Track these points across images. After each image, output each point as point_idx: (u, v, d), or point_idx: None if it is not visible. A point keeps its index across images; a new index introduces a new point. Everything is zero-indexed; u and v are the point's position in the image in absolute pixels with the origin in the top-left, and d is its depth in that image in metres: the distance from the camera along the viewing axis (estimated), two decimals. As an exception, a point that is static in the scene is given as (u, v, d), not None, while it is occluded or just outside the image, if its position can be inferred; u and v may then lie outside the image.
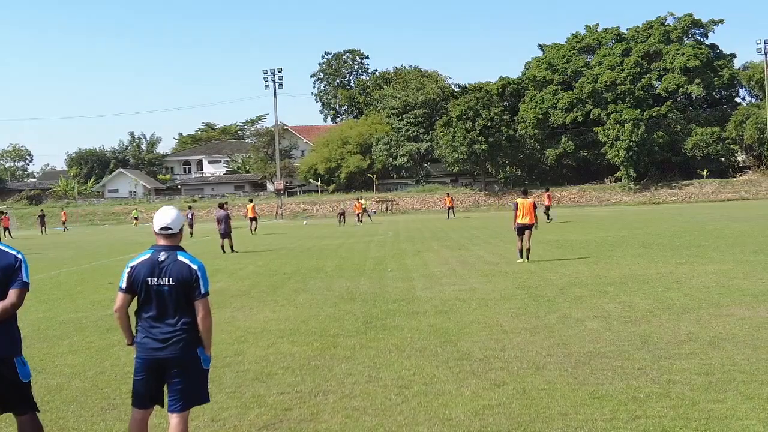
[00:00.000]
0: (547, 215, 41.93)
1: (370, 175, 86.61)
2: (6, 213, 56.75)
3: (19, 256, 5.29)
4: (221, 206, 29.22)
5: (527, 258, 19.42)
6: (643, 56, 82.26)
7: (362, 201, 56.95)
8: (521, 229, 19.61)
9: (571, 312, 11.55)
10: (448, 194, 62.83)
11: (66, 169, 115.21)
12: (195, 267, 5.35)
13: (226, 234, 27.74)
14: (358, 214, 53.44)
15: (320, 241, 33.73)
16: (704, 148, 77.04)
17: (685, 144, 77.98)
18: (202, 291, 5.33)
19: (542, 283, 15.22)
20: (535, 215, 19.69)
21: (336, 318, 12.04)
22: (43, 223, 60.42)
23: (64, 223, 64.48)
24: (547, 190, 50.35)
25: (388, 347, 9.54)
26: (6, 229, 50.87)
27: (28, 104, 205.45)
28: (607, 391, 7.12)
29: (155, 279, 5.31)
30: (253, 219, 42.72)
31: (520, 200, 19.97)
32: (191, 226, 46.12)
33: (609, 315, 11.14)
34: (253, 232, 41.87)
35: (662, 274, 15.76)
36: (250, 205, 44.56)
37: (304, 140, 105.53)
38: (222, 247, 27.68)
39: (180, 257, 5.38)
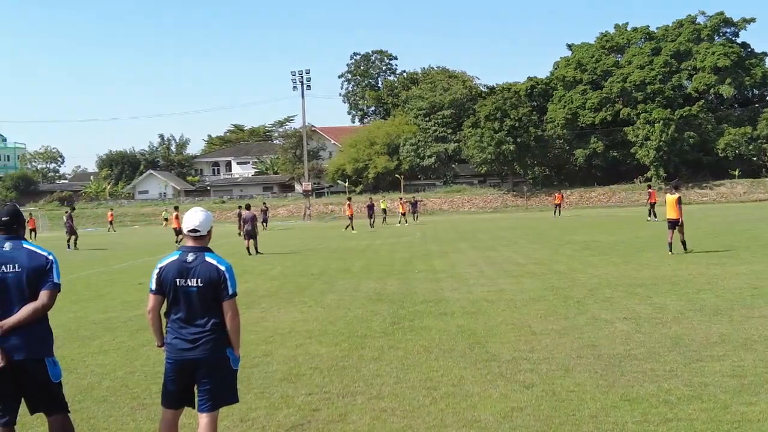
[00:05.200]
0: (650, 213, 40.41)
1: (398, 176, 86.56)
2: (32, 215, 57.60)
3: (50, 257, 5.33)
4: (248, 207, 29.60)
5: (684, 249, 20.19)
6: (672, 55, 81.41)
7: (403, 200, 56.85)
8: (670, 224, 20.43)
9: (601, 313, 11.45)
10: (559, 192, 61.94)
11: (97, 170, 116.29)
12: (223, 268, 5.36)
13: (251, 235, 27.86)
14: (402, 214, 52.64)
15: (347, 242, 33.76)
16: (736, 149, 76.09)
17: (716, 144, 77.04)
18: (230, 292, 5.34)
19: (571, 284, 15.11)
20: (680, 210, 20.31)
21: (364, 319, 12.04)
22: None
23: (111, 223, 65.27)
24: (650, 187, 47.47)
25: (416, 348, 9.52)
26: (33, 230, 51.52)
27: (60, 107, 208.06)
28: (637, 394, 7.05)
29: (183, 280, 5.34)
30: (350, 217, 44.87)
31: (667, 196, 21.01)
32: (266, 222, 47.80)
33: (639, 317, 11.04)
34: (348, 228, 43.40)
35: (693, 275, 15.58)
36: (347, 203, 47.12)
37: (332, 141, 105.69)
38: (248, 248, 27.72)
39: (208, 258, 5.40)
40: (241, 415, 6.92)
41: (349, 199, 50.95)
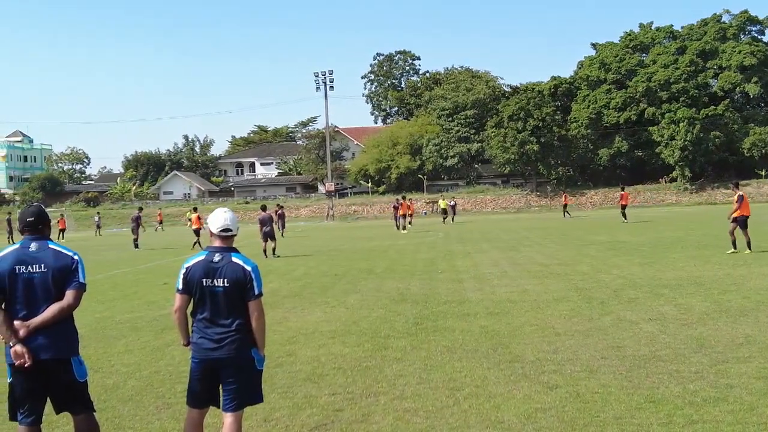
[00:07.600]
0: (623, 215, 41.05)
1: (421, 176, 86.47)
2: (62, 215, 58.24)
3: (76, 257, 5.38)
4: (263, 208, 29.03)
5: (749, 248, 19.84)
6: (698, 54, 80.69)
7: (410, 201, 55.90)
8: (745, 220, 20.20)
9: (626, 314, 11.38)
10: (563, 192, 61.44)
11: (122, 171, 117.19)
12: (249, 268, 5.40)
13: (270, 236, 27.37)
14: (404, 215, 47.12)
15: (370, 242, 33.78)
16: (762, 148, 75.24)
17: (742, 144, 76.22)
18: (256, 292, 5.38)
19: (595, 284, 15.02)
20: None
21: (387, 319, 12.04)
22: (99, 226, 61.78)
23: (160, 223, 65.66)
24: (623, 189, 46.75)
25: (439, 349, 9.51)
26: (62, 230, 52.00)
27: (85, 108, 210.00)
28: (662, 395, 7.00)
29: (210, 280, 5.38)
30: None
31: (744, 195, 20.79)
32: (283, 225, 45.30)
33: (664, 318, 10.95)
34: (406, 228, 43.39)
35: (719, 276, 15.44)
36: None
37: (355, 142, 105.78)
38: (264, 251, 27.22)
39: (234, 258, 5.44)
40: (264, 415, 6.95)
41: (404, 197, 48.75)
